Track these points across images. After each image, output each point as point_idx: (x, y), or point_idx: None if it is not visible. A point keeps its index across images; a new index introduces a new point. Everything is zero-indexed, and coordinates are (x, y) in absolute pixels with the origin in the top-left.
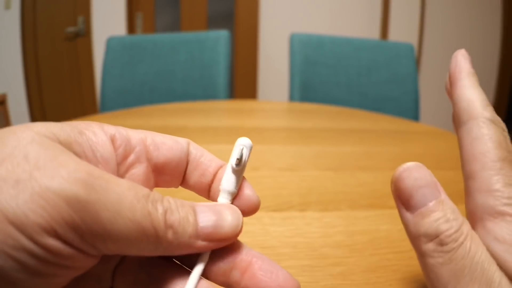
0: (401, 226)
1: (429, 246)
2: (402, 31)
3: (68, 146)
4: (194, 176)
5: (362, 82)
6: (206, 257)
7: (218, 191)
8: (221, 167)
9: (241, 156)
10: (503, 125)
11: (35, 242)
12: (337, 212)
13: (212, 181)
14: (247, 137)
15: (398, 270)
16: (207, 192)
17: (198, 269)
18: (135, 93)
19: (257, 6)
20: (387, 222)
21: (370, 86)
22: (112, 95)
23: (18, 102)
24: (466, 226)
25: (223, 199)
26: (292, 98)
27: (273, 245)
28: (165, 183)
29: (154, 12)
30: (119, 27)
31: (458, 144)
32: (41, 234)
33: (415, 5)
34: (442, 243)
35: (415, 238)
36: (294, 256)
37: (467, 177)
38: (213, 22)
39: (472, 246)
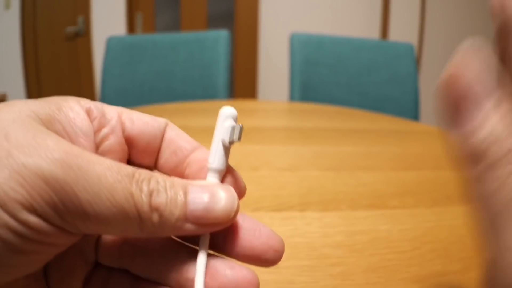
0: (401, 226)
1: (479, 168)
2: (402, 31)
3: (49, 124)
4: (165, 154)
5: (362, 82)
6: (206, 241)
7: (196, 171)
8: (196, 148)
9: (238, 133)
10: None
11: (16, 218)
12: (337, 212)
13: (185, 161)
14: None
15: (398, 270)
16: (179, 173)
17: (202, 260)
18: (135, 93)
19: (257, 6)
20: (387, 222)
21: (370, 86)
22: (112, 95)
23: None
24: None
25: (213, 178)
26: (292, 98)
27: None
28: (138, 158)
29: (154, 12)
30: (119, 27)
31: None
32: (21, 211)
33: (415, 5)
34: (495, 162)
35: (464, 159)
36: (294, 256)
37: None
38: (213, 22)
39: None
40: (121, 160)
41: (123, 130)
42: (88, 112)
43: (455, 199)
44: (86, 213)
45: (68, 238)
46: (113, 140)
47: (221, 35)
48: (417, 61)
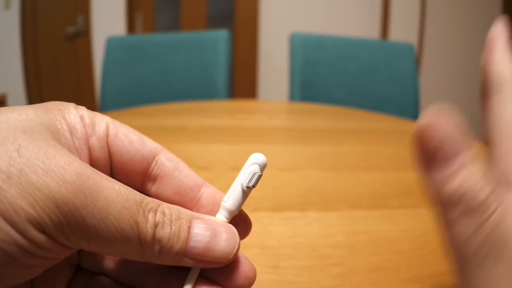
0: (401, 226)
1: (454, 213)
2: (402, 31)
3: (57, 134)
4: (166, 192)
5: (362, 82)
6: (195, 273)
7: (208, 207)
8: (201, 186)
9: (256, 181)
10: None
11: (25, 236)
12: (337, 212)
13: (195, 202)
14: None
15: (398, 270)
16: (179, 204)
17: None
18: (135, 93)
19: (257, 6)
20: (387, 222)
21: (370, 85)
22: (112, 95)
23: (18, 101)
24: (500, 191)
25: (222, 217)
26: (292, 98)
27: (273, 245)
28: (118, 175)
29: (154, 12)
30: (119, 27)
31: (481, 117)
32: (30, 230)
33: (415, 5)
34: (470, 209)
35: (439, 203)
36: (294, 256)
37: (491, 145)
38: (213, 22)
39: (505, 216)
40: (105, 172)
41: (108, 143)
42: (81, 119)
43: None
44: (90, 236)
45: (69, 253)
46: (100, 153)
47: (221, 35)
48: (417, 61)
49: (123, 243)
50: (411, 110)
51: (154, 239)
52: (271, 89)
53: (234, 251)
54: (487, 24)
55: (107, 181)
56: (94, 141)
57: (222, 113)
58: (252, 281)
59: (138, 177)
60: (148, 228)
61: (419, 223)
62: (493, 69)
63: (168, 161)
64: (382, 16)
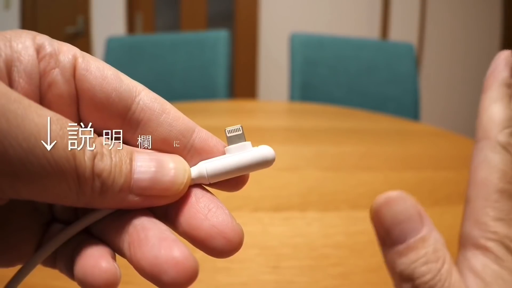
0: None
1: (405, 287)
2: (402, 31)
3: None
4: (143, 129)
5: (362, 82)
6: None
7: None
8: (193, 131)
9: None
10: None
11: None
12: (337, 212)
13: (188, 149)
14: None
15: None
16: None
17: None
18: None
19: (257, 6)
20: None
21: (370, 86)
22: None
23: None
24: (447, 266)
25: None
26: (292, 98)
27: (273, 245)
28: (88, 119)
29: (154, 12)
30: (118, 27)
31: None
32: None
33: (415, 5)
34: (417, 286)
35: (392, 275)
36: (294, 256)
37: (466, 200)
38: (213, 22)
39: None
40: (69, 116)
41: (76, 81)
42: (38, 49)
43: (455, 199)
44: (15, 172)
45: None
46: (64, 88)
47: (221, 35)
48: (417, 61)
49: (57, 181)
50: (411, 110)
51: (94, 173)
52: (271, 89)
53: (185, 180)
54: (487, 24)
55: (37, 106)
56: (56, 75)
57: (222, 113)
58: (232, 244)
59: (115, 123)
60: (86, 160)
61: None
62: (484, 111)
63: (153, 102)
64: (382, 16)
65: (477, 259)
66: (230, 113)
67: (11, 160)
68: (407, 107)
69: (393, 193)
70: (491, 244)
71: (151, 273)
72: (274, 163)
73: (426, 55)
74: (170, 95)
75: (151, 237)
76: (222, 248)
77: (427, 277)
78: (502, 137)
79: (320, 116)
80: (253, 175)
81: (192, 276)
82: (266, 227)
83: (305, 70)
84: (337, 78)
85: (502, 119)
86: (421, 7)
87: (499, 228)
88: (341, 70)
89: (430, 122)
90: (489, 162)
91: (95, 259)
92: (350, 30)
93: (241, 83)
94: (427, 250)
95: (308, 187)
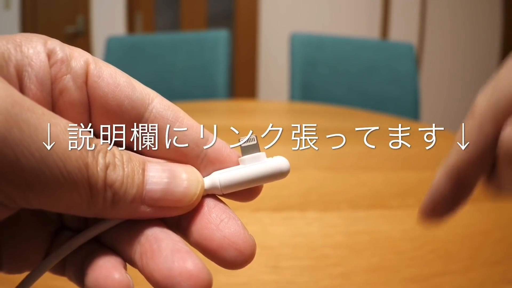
0: (401, 226)
1: None
2: (402, 31)
3: (3, 64)
4: (166, 149)
5: (363, 81)
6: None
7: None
8: (207, 140)
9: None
10: None
11: None
12: (337, 212)
13: (201, 159)
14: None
15: (398, 270)
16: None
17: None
18: None
19: (257, 6)
20: (387, 222)
21: (370, 85)
22: None
23: None
24: None
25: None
26: (292, 97)
27: (273, 245)
28: (99, 126)
29: (154, 12)
30: (118, 27)
31: None
32: None
33: (415, 5)
34: None
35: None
36: (294, 256)
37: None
38: (213, 22)
39: None
40: (80, 122)
41: (87, 85)
42: (50, 54)
43: None
44: (27, 183)
45: (4, 213)
46: (76, 96)
47: (221, 35)
48: (417, 61)
49: (69, 191)
50: (411, 110)
51: (106, 184)
52: (271, 89)
53: (198, 191)
54: (487, 24)
55: (51, 116)
56: (68, 81)
57: (222, 113)
58: (244, 255)
59: (127, 131)
60: (98, 171)
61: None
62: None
63: (166, 110)
64: (382, 16)
65: None
66: (230, 113)
67: (24, 169)
68: (407, 107)
69: None
70: None
71: (164, 285)
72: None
73: (426, 55)
74: (170, 95)
75: (164, 248)
76: (233, 259)
77: None
78: None
79: (320, 116)
80: None
81: (205, 286)
82: (266, 227)
83: (305, 70)
84: (337, 78)
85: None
86: (421, 7)
87: None
88: (341, 70)
89: (430, 122)
90: None
91: (108, 270)
92: (350, 30)
93: (241, 83)
94: None
95: (308, 187)
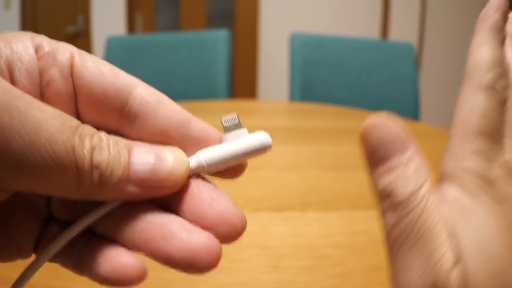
0: None
1: (384, 205)
2: (402, 31)
3: None
4: (150, 132)
5: (362, 82)
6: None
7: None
8: (191, 121)
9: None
10: (505, 92)
11: None
12: (337, 212)
13: (186, 140)
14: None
15: None
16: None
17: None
18: None
19: (257, 6)
20: None
21: (370, 86)
22: None
23: None
24: (426, 188)
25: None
26: (292, 98)
27: (273, 245)
28: (86, 115)
29: (154, 12)
30: (119, 27)
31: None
32: None
33: (415, 5)
34: (394, 204)
35: (375, 196)
36: (294, 256)
37: (448, 139)
38: (213, 22)
39: (424, 212)
40: (67, 112)
41: (72, 76)
42: (37, 49)
43: None
44: (18, 165)
45: None
46: (62, 86)
47: (221, 35)
48: (417, 61)
49: (58, 173)
50: (411, 111)
51: (92, 165)
52: (271, 89)
53: (183, 170)
54: None
55: (39, 103)
56: (54, 73)
57: (222, 113)
58: (237, 230)
59: (113, 117)
60: (85, 153)
61: None
62: (471, 54)
63: (150, 95)
64: (382, 16)
65: (452, 190)
66: (230, 113)
67: (14, 152)
68: (407, 107)
69: (381, 116)
70: (466, 176)
71: (184, 262)
72: (274, 163)
73: (426, 55)
74: (170, 95)
75: (176, 230)
76: (228, 234)
77: (405, 193)
78: (486, 79)
79: (320, 116)
80: (253, 176)
81: (219, 257)
82: (266, 227)
83: (305, 70)
84: (337, 78)
85: (487, 62)
86: (421, 7)
87: (476, 161)
88: (341, 70)
89: (430, 122)
90: (470, 104)
91: (121, 257)
92: (350, 30)
93: (241, 83)
94: (408, 170)
95: (308, 187)
